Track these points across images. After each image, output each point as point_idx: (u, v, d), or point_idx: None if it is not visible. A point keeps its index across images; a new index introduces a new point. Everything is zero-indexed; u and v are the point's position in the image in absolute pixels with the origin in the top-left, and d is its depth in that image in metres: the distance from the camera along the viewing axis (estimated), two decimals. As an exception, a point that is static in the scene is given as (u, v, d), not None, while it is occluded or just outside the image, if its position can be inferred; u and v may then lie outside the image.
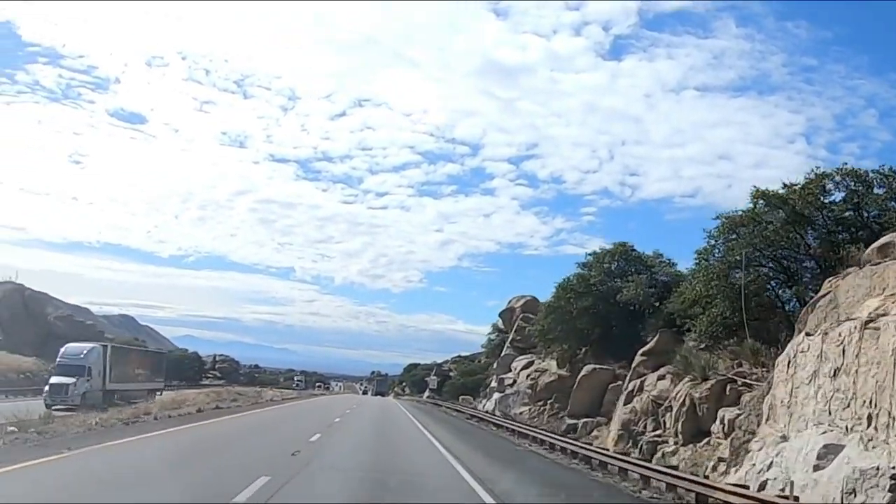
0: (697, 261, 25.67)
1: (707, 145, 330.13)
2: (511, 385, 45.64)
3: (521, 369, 45.42)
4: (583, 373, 34.16)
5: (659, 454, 21.13)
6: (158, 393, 43.68)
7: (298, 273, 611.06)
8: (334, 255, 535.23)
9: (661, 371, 25.42)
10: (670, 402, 22.55)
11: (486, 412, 43.99)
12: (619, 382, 30.33)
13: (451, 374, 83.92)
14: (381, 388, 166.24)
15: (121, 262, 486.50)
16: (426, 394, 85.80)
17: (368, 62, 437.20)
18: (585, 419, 32.08)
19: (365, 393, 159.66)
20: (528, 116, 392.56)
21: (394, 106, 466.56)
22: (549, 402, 39.00)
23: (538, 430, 28.81)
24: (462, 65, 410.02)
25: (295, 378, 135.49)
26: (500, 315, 63.19)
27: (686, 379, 22.16)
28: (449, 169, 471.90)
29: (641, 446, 22.58)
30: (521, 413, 40.73)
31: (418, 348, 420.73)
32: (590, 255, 38.98)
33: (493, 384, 51.55)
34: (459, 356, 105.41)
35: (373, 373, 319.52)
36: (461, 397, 65.65)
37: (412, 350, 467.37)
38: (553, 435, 26.59)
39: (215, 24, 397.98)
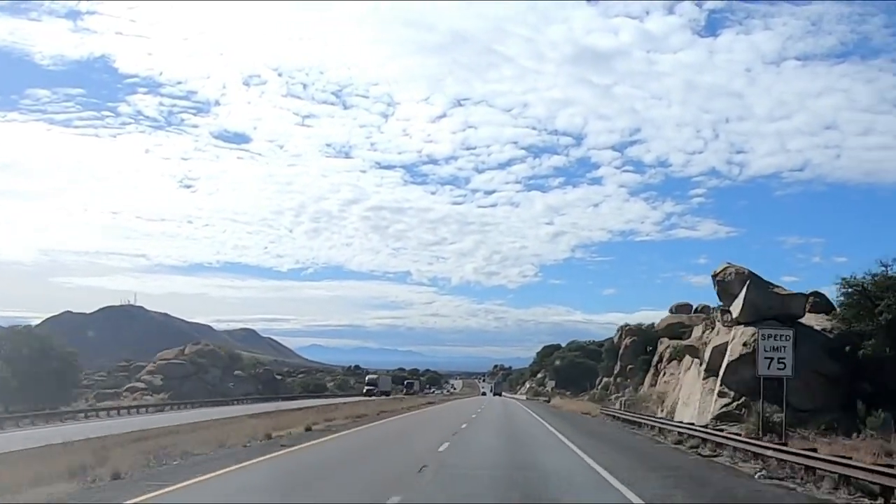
0: None
1: (812, 116, 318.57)
2: None
3: None
4: None
5: None
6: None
7: (415, 276, 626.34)
8: (448, 256, 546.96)
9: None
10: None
11: None
12: None
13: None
14: (499, 387, 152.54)
15: (242, 279, 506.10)
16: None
17: (462, 61, 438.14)
18: None
19: (484, 393, 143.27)
20: (627, 101, 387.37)
21: (493, 102, 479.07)
22: None
23: None
24: (555, 55, 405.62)
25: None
26: None
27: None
28: (554, 161, 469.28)
29: None
30: None
31: (539, 341, 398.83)
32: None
33: None
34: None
35: (495, 366, 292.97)
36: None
37: (533, 343, 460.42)
38: None
39: (306, 38, 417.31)
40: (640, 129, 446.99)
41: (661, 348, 43.41)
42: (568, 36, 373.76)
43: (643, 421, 27.76)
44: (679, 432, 21.30)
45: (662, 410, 30.56)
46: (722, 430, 18.95)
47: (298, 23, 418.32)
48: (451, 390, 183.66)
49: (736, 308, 23.43)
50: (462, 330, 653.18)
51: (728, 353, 22.76)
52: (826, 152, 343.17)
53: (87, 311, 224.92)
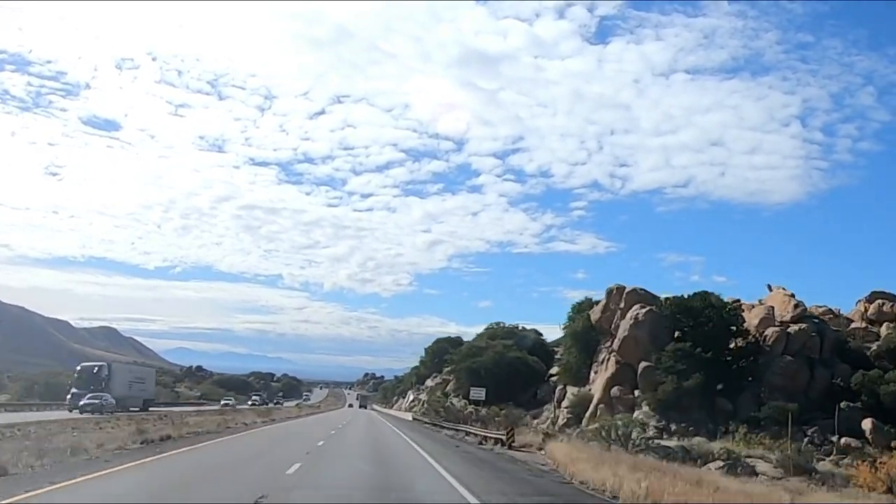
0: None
1: (699, 132, 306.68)
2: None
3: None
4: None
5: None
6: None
7: (287, 280, 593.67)
8: (322, 261, 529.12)
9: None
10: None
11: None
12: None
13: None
14: (366, 399, 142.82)
15: (107, 275, 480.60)
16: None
17: (346, 56, 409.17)
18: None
19: (352, 405, 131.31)
20: (512, 107, 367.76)
21: (374, 102, 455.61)
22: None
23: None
24: (442, 55, 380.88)
25: None
26: None
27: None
28: (434, 166, 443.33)
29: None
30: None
31: (412, 352, 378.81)
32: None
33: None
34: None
35: (365, 375, 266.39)
36: None
37: (406, 354, 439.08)
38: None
39: (184, 22, 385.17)
40: (523, 137, 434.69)
41: None
42: (456, 37, 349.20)
43: None
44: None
45: None
46: None
47: (176, 6, 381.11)
48: (304, 402, 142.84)
49: None
50: (334, 338, 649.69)
51: None
52: (711, 170, 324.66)
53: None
